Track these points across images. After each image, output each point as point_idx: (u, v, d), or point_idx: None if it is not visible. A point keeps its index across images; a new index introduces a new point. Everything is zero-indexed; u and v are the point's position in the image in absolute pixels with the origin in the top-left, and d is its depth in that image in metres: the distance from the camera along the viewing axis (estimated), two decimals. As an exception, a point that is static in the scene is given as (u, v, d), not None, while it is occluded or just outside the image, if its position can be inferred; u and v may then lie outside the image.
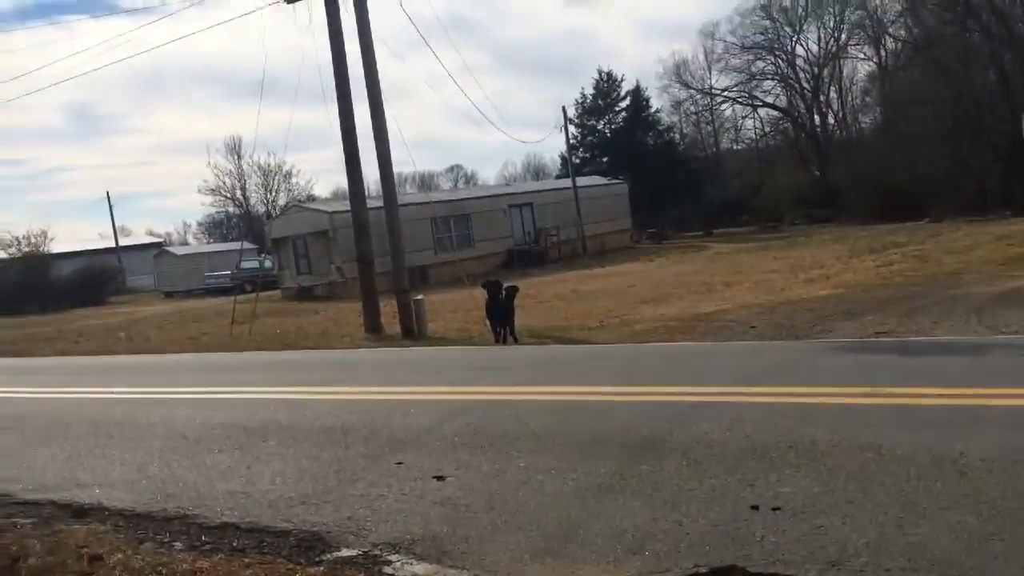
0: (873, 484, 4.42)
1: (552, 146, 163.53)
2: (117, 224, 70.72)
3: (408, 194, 50.84)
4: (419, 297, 17.34)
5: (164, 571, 4.23)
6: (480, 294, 15.32)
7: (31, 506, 5.91)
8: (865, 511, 4.08)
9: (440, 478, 5.42)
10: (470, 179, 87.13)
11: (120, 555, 4.54)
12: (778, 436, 5.45)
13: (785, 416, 5.97)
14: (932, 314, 12.00)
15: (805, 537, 3.88)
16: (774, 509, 4.24)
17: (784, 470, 4.79)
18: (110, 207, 77.27)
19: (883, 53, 56.21)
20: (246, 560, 4.35)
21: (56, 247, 56.89)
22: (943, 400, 5.95)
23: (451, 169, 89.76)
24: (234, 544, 4.70)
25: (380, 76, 17.41)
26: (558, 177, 57.82)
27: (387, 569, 4.14)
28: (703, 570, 3.72)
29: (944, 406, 5.80)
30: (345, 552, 4.40)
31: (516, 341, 14.20)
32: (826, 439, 5.24)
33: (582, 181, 46.22)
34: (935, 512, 3.98)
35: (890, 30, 54.05)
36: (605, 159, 56.60)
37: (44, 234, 55.89)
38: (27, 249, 53.91)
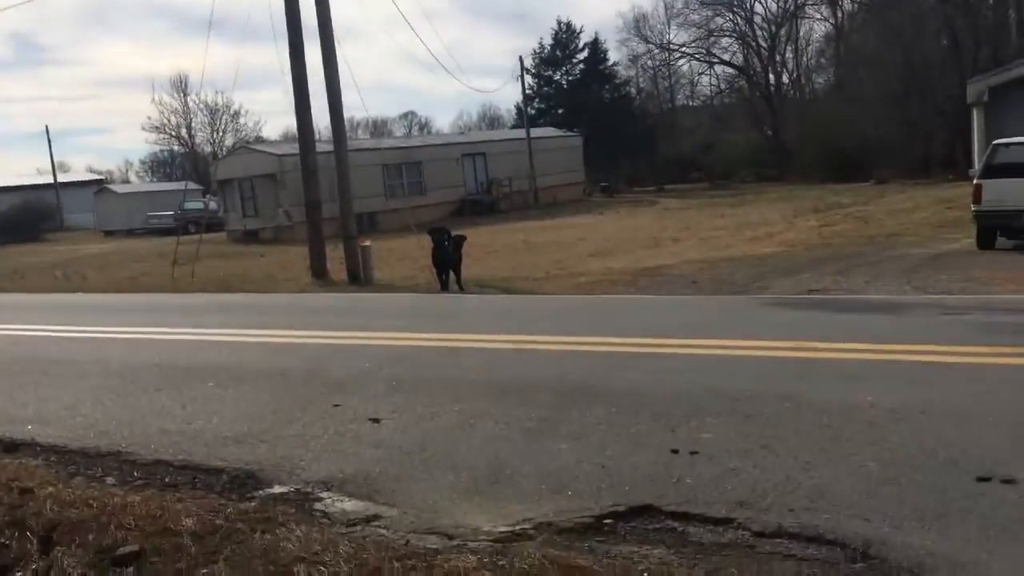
0: (787, 431, 4.64)
1: (508, 96, 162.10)
2: (56, 160, 68.57)
3: (360, 139, 50.20)
4: (367, 243, 17.28)
5: (95, 504, 4.26)
6: (428, 242, 15.33)
7: (-40, 441, 5.87)
8: (776, 456, 4.29)
9: (375, 420, 5.51)
10: (424, 127, 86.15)
11: (51, 488, 4.55)
12: (704, 385, 5.65)
13: (712, 367, 6.18)
14: (866, 274, 12.38)
15: (718, 479, 4.08)
16: (692, 453, 4.43)
17: (705, 418, 4.99)
18: (48, 141, 74.29)
19: (840, 14, 56.58)
20: (178, 495, 4.40)
21: (-8, 182, 55.08)
22: (863, 355, 6.21)
23: (405, 116, 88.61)
24: (166, 480, 4.75)
25: (333, 16, 17.10)
26: (513, 127, 57.54)
27: (318, 505, 4.23)
28: (620, 509, 3.89)
29: (863, 360, 6.06)
30: (278, 489, 4.49)
31: (462, 290, 14.29)
32: (748, 389, 5.46)
33: (536, 132, 46.06)
34: (841, 457, 4.21)
35: (847, -9, 54.35)
36: (560, 111, 56.43)
37: (-21, 167, 54.10)
38: (-39, 182, 52.13)
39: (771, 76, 60.37)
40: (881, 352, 6.27)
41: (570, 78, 58.47)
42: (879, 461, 4.12)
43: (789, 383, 5.56)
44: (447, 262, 14.53)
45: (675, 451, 4.49)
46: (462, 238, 15.00)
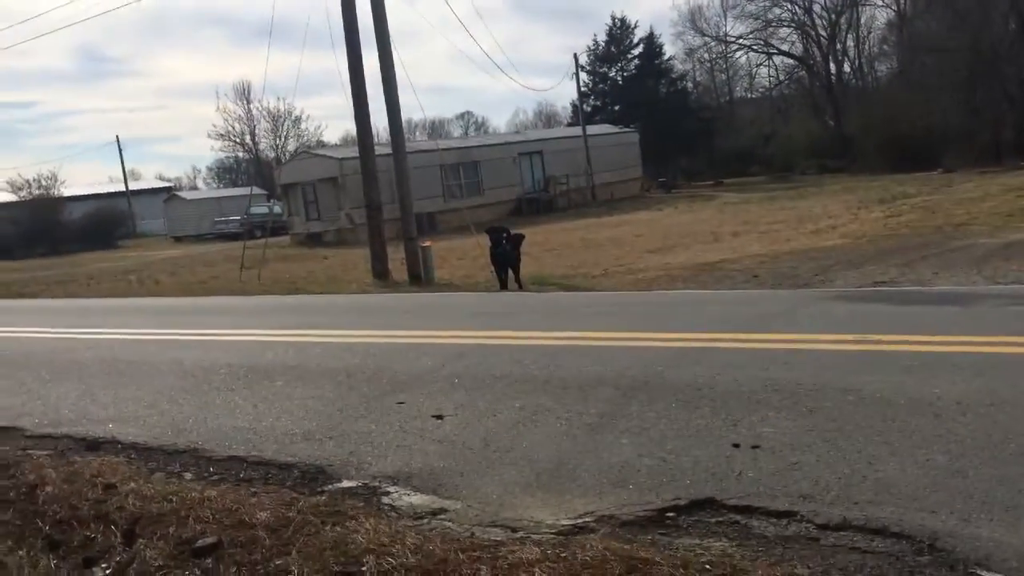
0: (849, 425, 4.60)
1: (564, 94, 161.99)
2: (127, 168, 70.96)
3: (417, 141, 50.71)
4: (426, 244, 17.49)
5: (174, 499, 4.46)
6: (486, 241, 15.46)
7: (47, 439, 6.17)
8: (839, 449, 4.27)
9: (439, 417, 5.63)
10: (480, 126, 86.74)
11: (133, 484, 4.77)
12: (765, 380, 5.63)
13: (773, 361, 6.14)
14: (934, 265, 12.09)
15: (780, 472, 4.08)
16: (754, 447, 4.43)
17: (767, 412, 4.98)
18: (119, 151, 77.07)
19: (902, 0, 55.17)
20: (252, 489, 4.58)
21: (66, 191, 57.17)
22: (928, 347, 6.11)
23: (461, 116, 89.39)
24: (241, 475, 4.94)
25: (388, 20, 17.35)
26: (569, 125, 57.48)
27: (385, 499, 4.36)
28: (682, 502, 3.92)
29: (928, 352, 5.96)
30: (346, 484, 4.63)
31: (521, 288, 14.38)
32: (809, 383, 5.43)
33: (593, 129, 45.96)
34: (906, 450, 4.17)
35: (910, -24, 52.97)
36: (616, 107, 56.17)
37: (54, 177, 56.41)
38: (38, 192, 54.23)
39: (832, 65, 59.22)
40: (947, 344, 6.15)
41: (625, 74, 58.14)
42: (946, 454, 4.07)
43: (851, 376, 5.50)
44: (506, 261, 14.64)
45: (736, 445, 4.50)
46: (520, 237, 15.09)
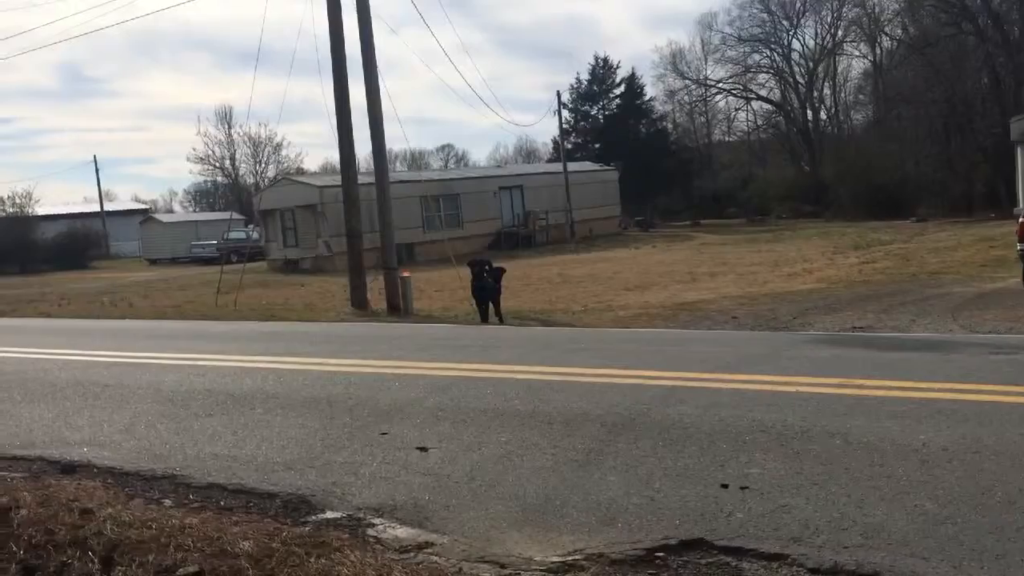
0: (838, 468, 4.61)
1: (544, 130, 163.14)
2: (103, 189, 70.29)
3: (399, 172, 50.75)
4: (406, 274, 17.45)
5: (154, 525, 4.36)
6: (466, 274, 15.47)
7: (20, 461, 6.02)
8: (829, 493, 4.28)
9: (423, 449, 5.57)
10: (461, 159, 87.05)
11: (110, 509, 4.67)
12: (751, 420, 5.64)
13: (759, 402, 6.16)
14: (911, 312, 12.25)
15: (770, 514, 4.07)
16: (742, 488, 4.43)
17: (754, 452, 4.98)
18: (96, 171, 76.89)
19: (878, 51, 56.54)
20: (234, 518, 4.49)
21: (40, 209, 56.50)
22: (912, 393, 6.16)
23: (442, 148, 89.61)
24: (222, 503, 4.84)
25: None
26: (549, 161, 57.97)
27: (370, 531, 4.29)
28: (672, 542, 3.90)
29: (912, 399, 6.01)
30: (330, 514, 4.56)
31: (501, 321, 14.37)
32: (796, 425, 5.45)
33: (573, 166, 46.32)
34: (895, 496, 4.18)
35: (886, 29, 54.35)
36: (597, 145, 56.74)
37: (29, 195, 55.65)
38: (12, 210, 53.54)
39: (808, 112, 60.43)
40: (930, 391, 6.20)
41: (607, 113, 58.86)
42: (934, 500, 4.09)
43: (837, 420, 5.53)
44: (487, 294, 14.65)
45: (725, 485, 4.49)
46: (501, 270, 15.12)
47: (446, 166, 79.37)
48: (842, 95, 61.12)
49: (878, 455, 4.78)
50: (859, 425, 5.37)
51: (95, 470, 5.65)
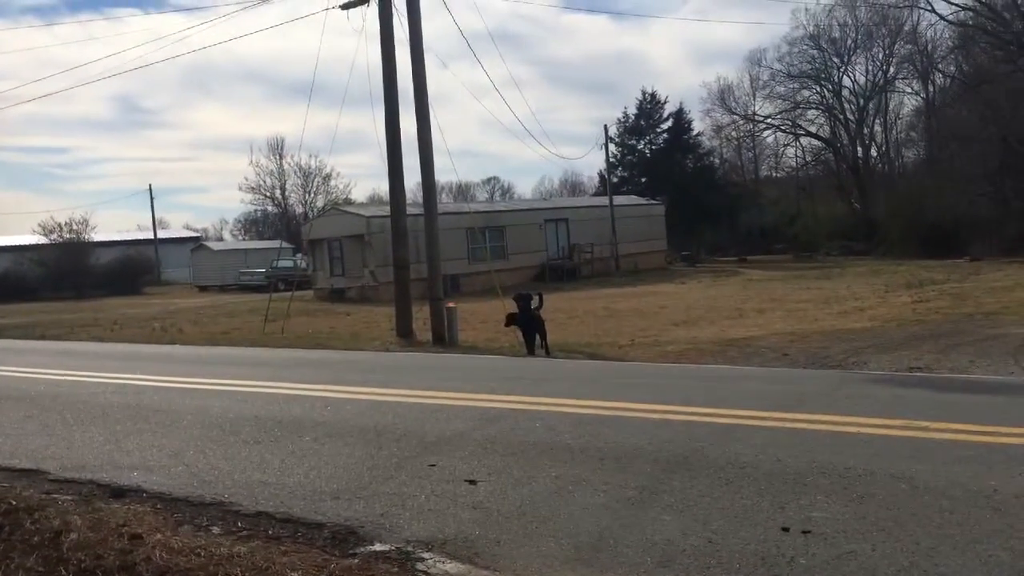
0: (905, 514, 4.42)
1: (590, 163, 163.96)
2: (156, 216, 71.92)
3: (445, 203, 51.16)
4: (451, 305, 17.46)
5: (202, 553, 4.33)
6: (512, 306, 15.46)
7: (71, 484, 6.07)
8: (896, 540, 4.09)
9: (472, 482, 5.49)
10: (506, 192, 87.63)
11: (159, 535, 4.65)
12: (810, 462, 5.46)
13: (818, 443, 5.97)
14: (969, 352, 11.88)
15: (835, 562, 3.90)
16: (804, 532, 4.26)
17: (815, 495, 4.81)
18: (151, 199, 78.69)
19: (931, 88, 55.77)
20: (282, 548, 4.44)
21: (96, 236, 57.91)
22: (979, 437, 5.92)
23: (488, 181, 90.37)
24: (270, 532, 4.80)
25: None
26: (595, 194, 57.90)
27: (420, 566, 4.21)
28: (732, 587, 3.75)
29: (980, 443, 5.77)
30: (379, 547, 4.49)
31: (548, 354, 14.26)
32: (859, 467, 5.25)
33: (619, 200, 46.22)
34: (966, 544, 3.98)
35: (939, 65, 53.61)
36: (643, 179, 56.58)
37: (85, 222, 56.99)
38: (69, 236, 54.93)
39: (859, 149, 59.59)
40: (998, 435, 5.96)
41: (653, 147, 58.71)
42: (1009, 550, 3.89)
43: (902, 463, 5.32)
44: (535, 325, 14.60)
45: (785, 529, 4.32)
46: (540, 295, 15.22)
47: (491, 198, 79.94)
48: (893, 132, 60.39)
49: (947, 501, 4.58)
50: (925, 469, 5.16)
51: (145, 495, 5.66)
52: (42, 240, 54.53)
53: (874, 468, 5.24)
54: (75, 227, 55.75)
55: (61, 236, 54.82)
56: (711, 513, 4.65)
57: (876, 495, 4.75)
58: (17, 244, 56.32)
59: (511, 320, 15.11)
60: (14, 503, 5.31)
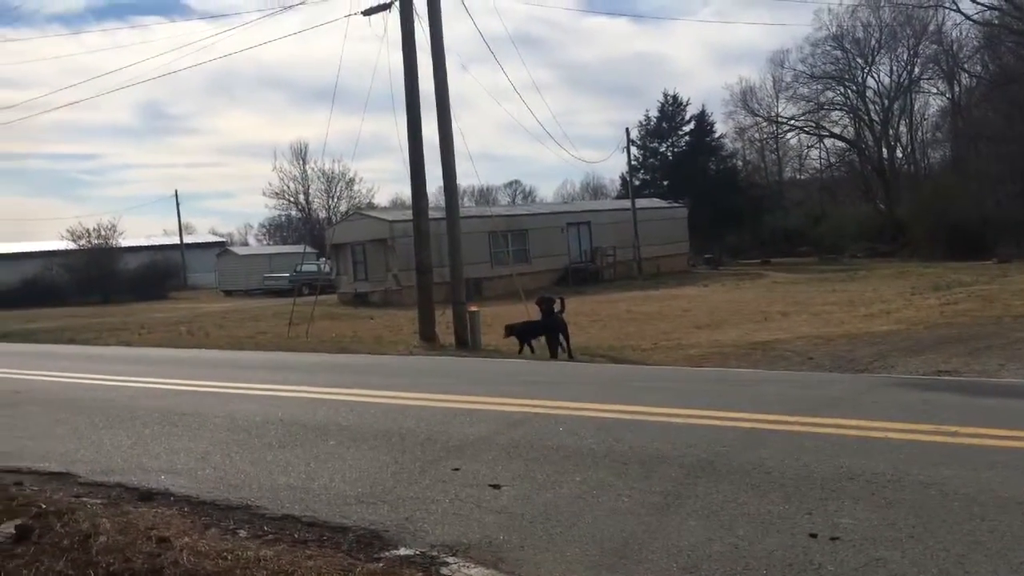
0: (935, 521, 4.37)
1: (611, 166, 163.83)
2: (182, 222, 72.64)
3: (466, 207, 51.29)
4: (474, 309, 17.49)
5: (229, 556, 4.36)
6: (534, 310, 15.50)
7: (100, 487, 6.13)
8: (926, 547, 4.04)
9: (496, 486, 5.49)
10: (528, 195, 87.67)
11: (187, 539, 4.69)
12: (837, 467, 5.41)
13: (845, 447, 5.92)
14: (999, 356, 11.72)
15: (864, 568, 3.86)
16: (832, 539, 4.22)
17: (843, 501, 4.76)
18: (177, 205, 79.48)
19: (957, 88, 55.14)
20: (308, 552, 4.46)
21: (123, 241, 58.54)
22: (1010, 443, 5.83)
23: (510, 184, 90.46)
24: (295, 536, 4.82)
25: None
26: (617, 198, 57.79)
27: (444, 570, 4.21)
28: (759, 594, 3.72)
29: (1011, 448, 5.69)
30: (403, 551, 4.49)
31: (571, 357, 14.25)
32: (888, 473, 5.19)
33: (641, 203, 46.08)
34: (999, 552, 3.93)
35: (965, 65, 53.00)
36: (665, 182, 56.38)
37: (113, 228, 57.63)
38: (97, 241, 55.59)
39: (884, 150, 59.00)
40: (1029, 440, 5.87)
41: (676, 149, 58.48)
42: (1044, 558, 3.83)
43: (931, 468, 5.26)
44: (557, 329, 14.62)
45: (813, 535, 4.28)
46: (561, 299, 15.27)
47: (513, 202, 79.98)
48: (919, 133, 59.75)
49: (978, 507, 4.51)
50: (955, 475, 5.09)
51: (172, 498, 5.71)
52: (71, 246, 55.23)
53: (903, 474, 5.18)
54: (103, 232, 56.46)
55: (89, 242, 55.50)
56: (737, 519, 4.61)
57: (905, 501, 4.70)
58: (46, 250, 57.06)
59: (510, 331, 15.21)
60: (44, 506, 5.38)
